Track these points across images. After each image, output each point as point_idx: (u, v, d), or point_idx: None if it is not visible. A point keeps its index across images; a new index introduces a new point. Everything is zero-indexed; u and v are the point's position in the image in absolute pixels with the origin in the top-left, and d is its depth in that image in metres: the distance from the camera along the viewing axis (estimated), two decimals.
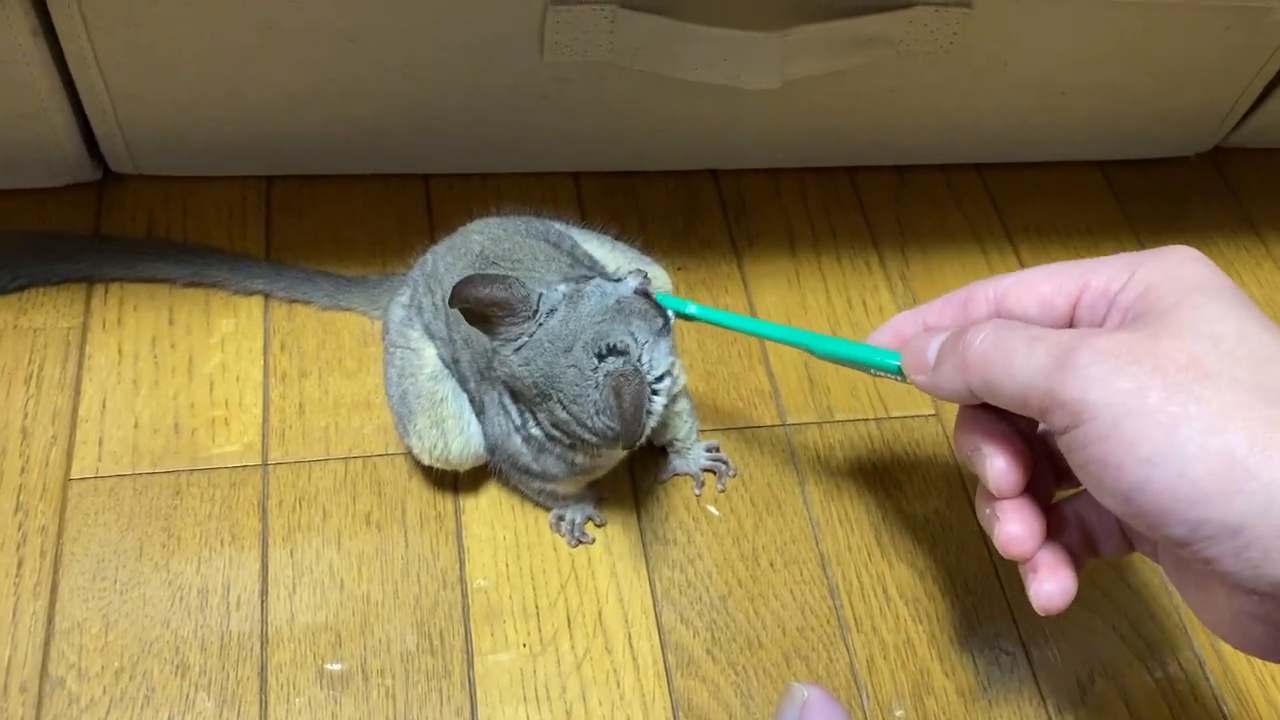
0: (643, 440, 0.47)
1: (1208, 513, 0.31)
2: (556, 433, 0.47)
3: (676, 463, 0.58)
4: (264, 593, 0.52)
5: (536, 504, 0.56)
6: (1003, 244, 0.72)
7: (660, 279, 0.56)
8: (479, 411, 0.52)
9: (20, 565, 0.51)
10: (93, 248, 0.61)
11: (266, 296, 0.62)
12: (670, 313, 0.48)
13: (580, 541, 0.55)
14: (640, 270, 0.48)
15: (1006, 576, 0.56)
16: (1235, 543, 0.31)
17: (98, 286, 0.61)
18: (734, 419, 0.61)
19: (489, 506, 0.56)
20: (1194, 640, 0.56)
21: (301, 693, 0.49)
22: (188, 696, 0.49)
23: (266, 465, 0.56)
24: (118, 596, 0.51)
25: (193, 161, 0.65)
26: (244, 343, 0.60)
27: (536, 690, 0.50)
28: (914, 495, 0.59)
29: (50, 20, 0.55)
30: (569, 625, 0.52)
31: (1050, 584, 0.39)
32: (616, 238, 0.58)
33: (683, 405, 0.56)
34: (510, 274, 0.47)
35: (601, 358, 0.45)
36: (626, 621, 0.53)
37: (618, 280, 0.47)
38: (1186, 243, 0.38)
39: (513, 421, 0.49)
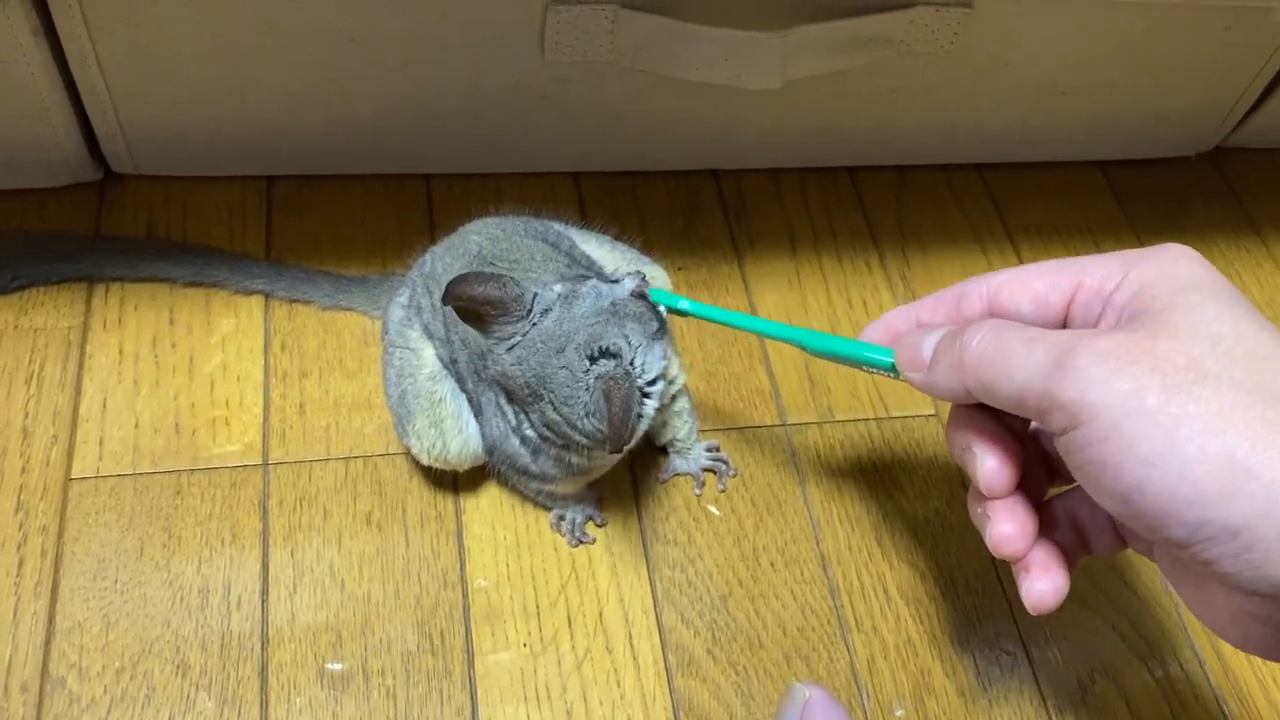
0: (632, 444, 0.47)
1: (1208, 514, 0.31)
2: (548, 433, 0.47)
3: (677, 463, 0.58)
4: (265, 592, 0.52)
5: (537, 504, 0.56)
6: (1003, 244, 0.72)
7: (660, 279, 0.56)
8: (477, 412, 0.52)
9: (21, 565, 0.51)
10: (93, 247, 0.61)
11: (267, 296, 0.62)
12: (665, 314, 0.48)
13: (581, 541, 0.55)
14: (638, 272, 0.47)
15: (1006, 576, 0.56)
16: (1236, 544, 0.31)
17: (98, 286, 0.61)
18: (734, 419, 0.61)
19: (489, 506, 0.56)
20: (1194, 640, 0.56)
21: (302, 692, 0.49)
22: (188, 696, 0.49)
23: (267, 465, 0.56)
24: (118, 596, 0.51)
25: (193, 161, 0.65)
26: (244, 342, 0.60)
27: (537, 690, 0.50)
28: (914, 495, 0.59)
29: (51, 20, 0.55)
30: (569, 625, 0.52)
31: (1042, 583, 0.39)
32: (616, 238, 0.58)
33: (683, 405, 0.56)
34: (506, 273, 0.47)
35: (594, 360, 0.45)
36: (627, 621, 0.53)
37: (614, 281, 0.47)
38: (1187, 243, 0.37)
39: (509, 422, 0.49)
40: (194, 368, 0.59)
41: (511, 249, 0.52)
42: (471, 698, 0.50)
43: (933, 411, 0.63)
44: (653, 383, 0.46)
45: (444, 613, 0.52)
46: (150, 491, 0.54)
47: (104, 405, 0.57)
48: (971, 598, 0.56)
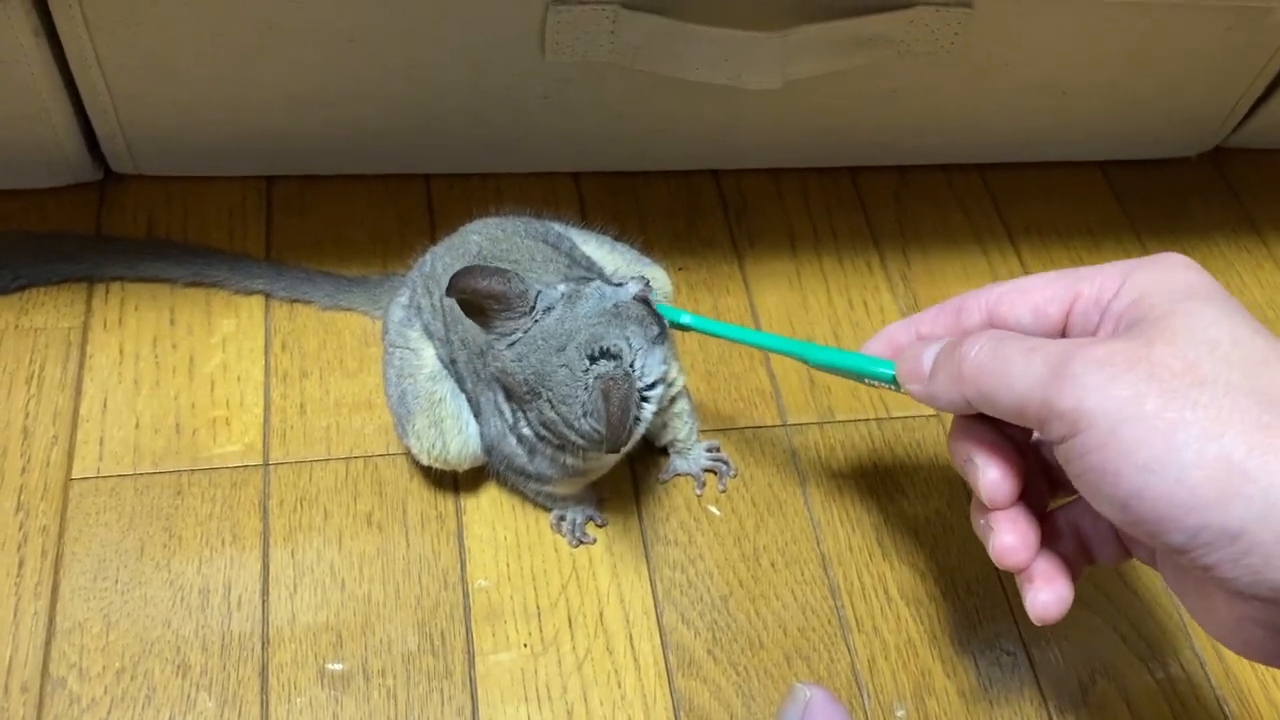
0: (629, 447, 0.47)
1: (1206, 519, 0.31)
2: (545, 432, 0.47)
3: (677, 463, 0.58)
4: (265, 593, 0.52)
5: (537, 505, 0.56)
6: (1004, 244, 0.72)
7: (660, 281, 0.56)
8: (476, 413, 0.52)
9: (21, 565, 0.51)
10: (94, 248, 0.61)
11: (267, 296, 0.62)
12: (667, 321, 0.48)
13: (581, 542, 0.55)
14: (642, 277, 0.47)
15: (1007, 578, 0.56)
16: (1234, 548, 0.31)
17: (99, 286, 0.61)
18: (735, 419, 0.61)
19: (490, 507, 0.56)
20: (1195, 641, 0.56)
21: (303, 693, 0.49)
22: (189, 696, 0.49)
23: (268, 465, 0.56)
24: (119, 596, 0.51)
25: (194, 162, 0.65)
26: (245, 343, 0.60)
27: (538, 690, 0.50)
28: (915, 496, 0.59)
29: (52, 21, 0.55)
30: (570, 625, 0.52)
31: (1046, 594, 0.39)
32: (617, 238, 0.58)
33: (683, 406, 0.56)
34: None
35: (594, 360, 0.44)
36: (628, 622, 0.53)
37: (618, 285, 0.47)
38: (1188, 243, 0.38)
39: (506, 421, 0.49)
40: (194, 368, 0.59)
41: (511, 249, 0.52)
42: (472, 698, 0.50)
43: (933, 413, 0.63)
44: (651, 386, 0.46)
45: (444, 613, 0.52)
46: (151, 492, 0.54)
47: (104, 405, 0.57)
48: (972, 598, 0.56)
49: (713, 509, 0.57)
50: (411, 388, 0.53)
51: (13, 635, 0.49)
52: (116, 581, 0.51)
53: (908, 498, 0.59)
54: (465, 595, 0.53)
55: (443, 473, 0.55)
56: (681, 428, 0.56)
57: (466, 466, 0.54)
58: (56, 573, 0.51)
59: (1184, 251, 0.37)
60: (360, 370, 0.60)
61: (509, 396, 0.49)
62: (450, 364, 0.53)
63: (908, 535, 0.58)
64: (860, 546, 0.57)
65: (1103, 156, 0.77)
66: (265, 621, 0.51)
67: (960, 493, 0.59)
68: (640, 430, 0.47)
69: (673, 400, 0.55)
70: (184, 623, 0.51)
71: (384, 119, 0.64)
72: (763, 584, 0.55)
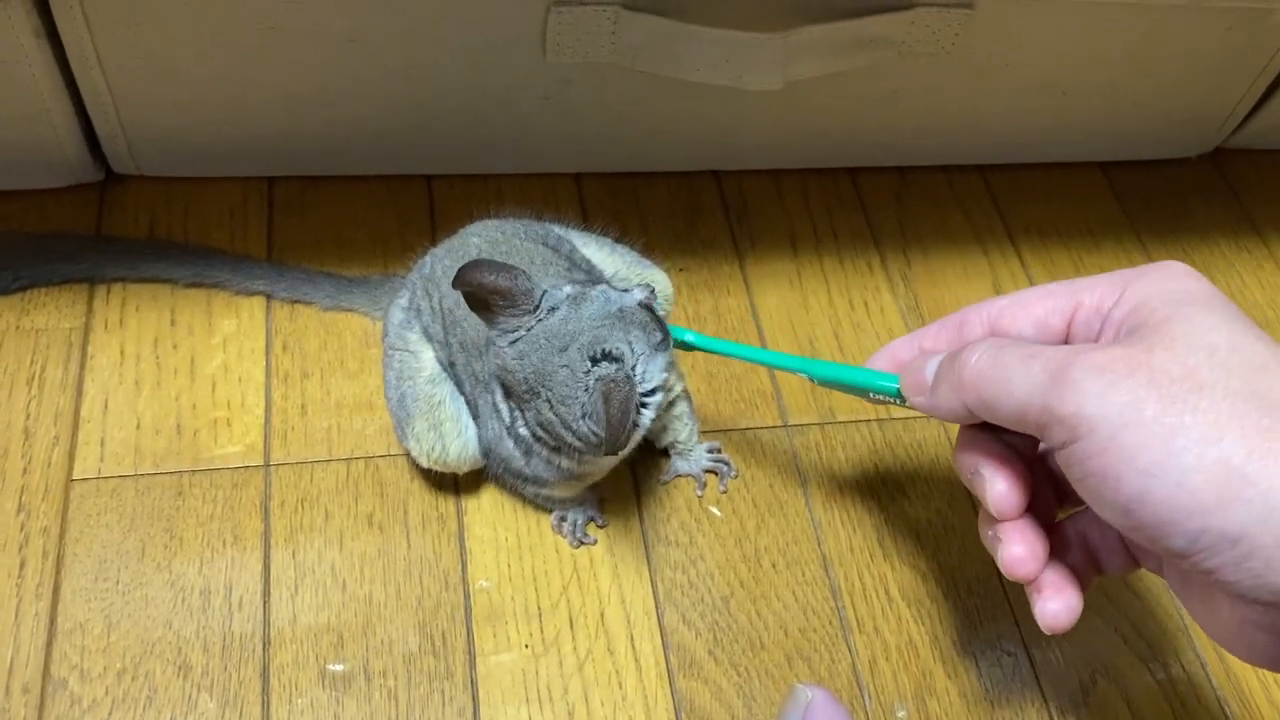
0: (626, 452, 0.47)
1: (1207, 523, 0.31)
2: (541, 433, 0.47)
3: (678, 464, 0.58)
4: (266, 594, 0.52)
5: (538, 507, 0.56)
6: (1004, 245, 0.72)
7: (661, 283, 0.56)
8: (475, 415, 0.52)
9: (23, 566, 0.51)
10: (94, 248, 0.61)
11: (268, 297, 0.62)
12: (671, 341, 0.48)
13: (582, 543, 0.55)
14: (647, 285, 0.48)
15: (1009, 579, 0.56)
16: (1235, 552, 0.31)
17: (99, 287, 0.61)
18: (736, 420, 0.61)
19: (491, 508, 0.56)
20: (1196, 642, 0.56)
21: (304, 694, 0.49)
22: (190, 697, 0.49)
23: (269, 466, 0.56)
24: (120, 597, 0.51)
25: (194, 162, 0.65)
26: (246, 343, 0.60)
27: (539, 691, 0.50)
28: (916, 497, 0.59)
29: (53, 21, 0.55)
30: (571, 626, 0.52)
31: (1055, 603, 0.39)
32: (617, 240, 0.58)
33: (684, 408, 0.56)
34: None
35: (595, 362, 0.44)
36: (629, 622, 0.53)
37: (624, 291, 0.47)
38: (1188, 244, 0.38)
39: (503, 422, 0.49)
40: (195, 369, 0.59)
41: (511, 252, 0.52)
42: (473, 699, 0.50)
43: (940, 420, 0.62)
44: (651, 393, 0.46)
45: (445, 614, 0.52)
46: (152, 492, 0.54)
47: (105, 406, 0.57)
48: (973, 599, 0.56)
49: (714, 510, 0.57)
50: (411, 390, 0.53)
51: (14, 636, 0.49)
52: (118, 582, 0.51)
53: (909, 499, 0.59)
54: (466, 596, 0.53)
55: (444, 474, 0.55)
56: (682, 429, 0.56)
57: (466, 469, 0.54)
58: (58, 574, 0.51)
59: (1184, 252, 0.38)
60: (361, 371, 0.60)
61: (507, 395, 0.48)
62: (449, 366, 0.53)
63: (909, 536, 0.58)
64: (861, 547, 0.57)
65: (1103, 157, 0.78)
66: (266, 622, 0.51)
67: (961, 494, 0.59)
68: (638, 436, 0.47)
69: (673, 402, 0.55)
70: (185, 624, 0.51)
71: (384, 119, 0.64)
72: (764, 585, 0.55)
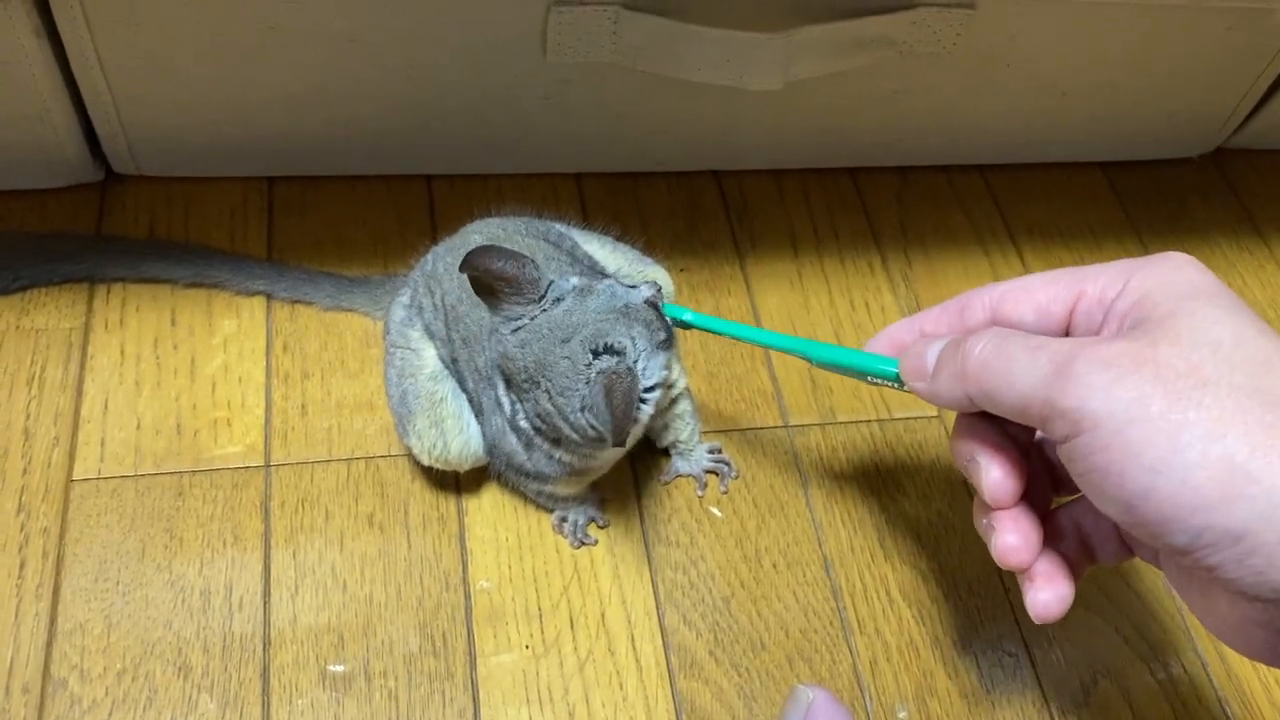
0: (627, 447, 0.47)
1: (1210, 519, 0.31)
2: (540, 424, 0.47)
3: (679, 464, 0.58)
4: (266, 594, 0.52)
5: (539, 506, 0.56)
6: (1005, 245, 0.72)
7: (662, 280, 0.56)
8: (478, 412, 0.52)
9: (23, 566, 0.51)
10: (95, 248, 0.61)
11: (268, 297, 0.62)
12: (674, 329, 0.48)
13: (583, 543, 0.55)
14: (654, 282, 0.47)
15: (1009, 578, 0.56)
16: (1238, 549, 0.31)
17: (100, 287, 0.61)
18: (736, 420, 0.61)
19: (492, 508, 0.56)
20: (1197, 642, 0.55)
21: (304, 694, 0.49)
22: (190, 698, 0.49)
23: (269, 466, 0.56)
24: (120, 598, 0.51)
25: (195, 162, 0.65)
26: (246, 344, 0.60)
27: (539, 692, 0.50)
28: (917, 497, 0.59)
29: (53, 21, 0.54)
30: (572, 627, 0.52)
31: (1046, 593, 0.39)
32: (618, 239, 0.58)
33: (684, 407, 0.56)
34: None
35: (597, 355, 0.44)
36: (629, 623, 0.53)
37: (631, 287, 0.47)
38: (1189, 244, 0.38)
39: (505, 415, 0.49)
40: (195, 369, 0.59)
41: (513, 248, 0.52)
42: (474, 700, 0.50)
43: (935, 413, 0.63)
44: (651, 389, 0.46)
45: (446, 614, 0.52)
46: (152, 493, 0.54)
47: (105, 406, 0.57)
48: (974, 600, 0.56)
49: (714, 510, 0.57)
50: (412, 387, 0.53)
51: (14, 636, 0.49)
52: (118, 583, 0.51)
53: (909, 499, 0.59)
54: (467, 596, 0.53)
55: (444, 474, 0.55)
56: (683, 429, 0.56)
57: (468, 467, 0.54)
58: (58, 574, 0.51)
59: (1185, 252, 0.37)
60: (362, 371, 0.60)
61: (509, 386, 0.48)
62: (451, 363, 0.53)
63: (909, 536, 0.58)
64: (862, 548, 0.57)
65: (1104, 157, 0.77)
66: (267, 623, 0.51)
67: (962, 494, 0.59)
68: (638, 431, 0.47)
69: (674, 401, 0.55)
70: (185, 624, 0.50)
71: (384, 119, 0.64)
72: (764, 585, 0.55)
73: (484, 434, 0.52)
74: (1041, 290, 0.40)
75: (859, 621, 0.54)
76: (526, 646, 0.52)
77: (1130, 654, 0.55)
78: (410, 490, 0.56)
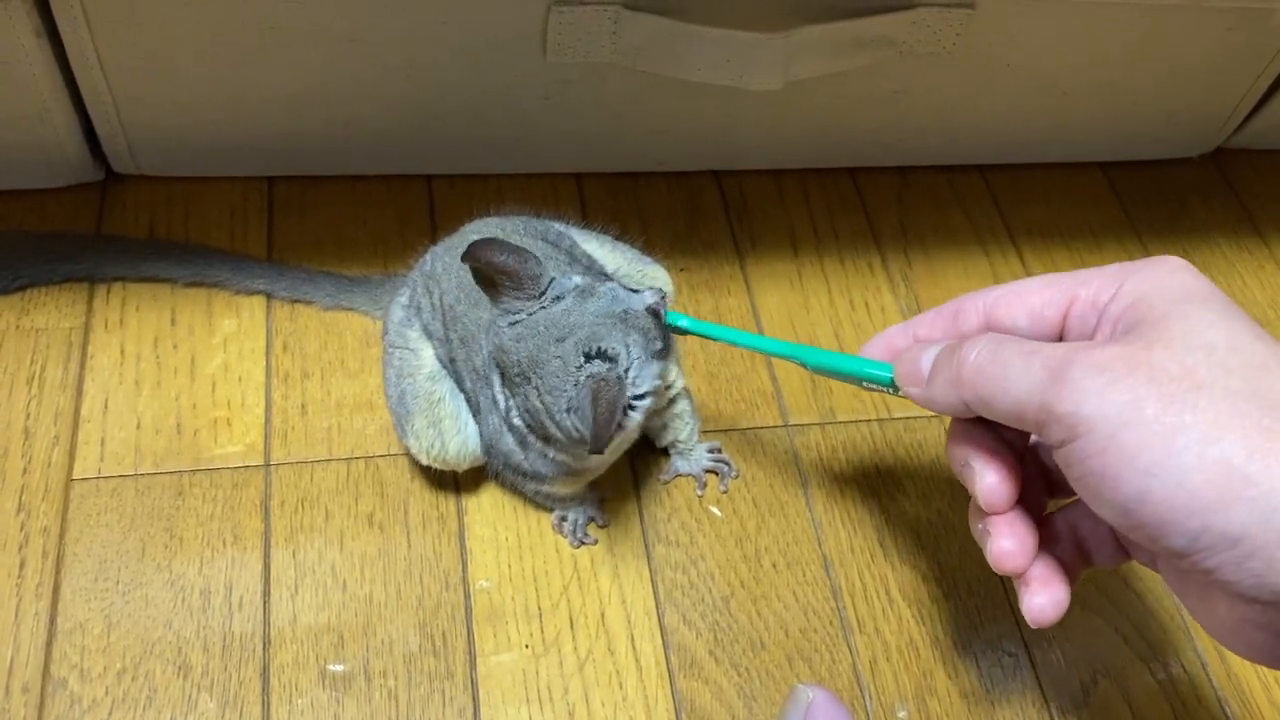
0: (607, 455, 0.46)
1: (1207, 522, 0.31)
2: (529, 420, 0.47)
3: (679, 464, 0.58)
4: (266, 593, 0.52)
5: (539, 506, 0.56)
6: (1005, 245, 0.72)
7: (661, 280, 0.56)
8: (475, 412, 0.52)
9: (23, 566, 0.51)
10: (95, 248, 0.61)
11: (268, 297, 0.62)
12: (673, 339, 0.48)
13: (583, 542, 0.55)
14: (660, 290, 0.47)
15: (1009, 579, 0.56)
16: (1236, 552, 0.31)
17: (100, 287, 0.61)
18: (736, 420, 0.61)
19: (491, 507, 0.56)
20: (1197, 642, 0.55)
21: (304, 694, 0.49)
22: (190, 697, 0.49)
23: (269, 466, 0.56)
24: (120, 597, 0.51)
25: (195, 162, 0.65)
26: (246, 343, 0.60)
27: (539, 691, 0.50)
28: (917, 497, 0.59)
29: (53, 21, 0.55)
30: (571, 626, 0.52)
31: (1042, 597, 0.39)
32: (617, 238, 0.58)
33: (683, 407, 0.56)
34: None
35: (589, 358, 0.44)
36: (629, 623, 0.53)
37: (635, 292, 0.47)
38: (1189, 244, 0.38)
39: (500, 412, 0.49)
40: (195, 368, 0.59)
41: None
42: (473, 699, 0.50)
43: (935, 413, 0.62)
44: (640, 397, 0.46)
45: (446, 614, 0.52)
46: (152, 492, 0.54)
47: (105, 406, 0.57)
48: (974, 599, 0.56)
49: (714, 510, 0.57)
50: (410, 388, 0.53)
51: (14, 636, 0.49)
52: (118, 582, 0.51)
53: (909, 499, 0.59)
54: (467, 596, 0.53)
55: (444, 473, 0.55)
56: (683, 428, 0.56)
57: (465, 466, 0.54)
58: (58, 573, 0.51)
59: (1185, 252, 0.38)
60: (361, 371, 0.60)
61: (504, 380, 0.48)
62: (449, 363, 0.53)
63: (909, 536, 0.58)
64: (862, 547, 0.57)
65: (1104, 157, 0.77)
66: (266, 622, 0.51)
67: (961, 494, 0.59)
68: (619, 439, 0.47)
69: (674, 401, 0.55)
70: (185, 624, 0.51)
71: (384, 119, 0.64)
72: (764, 585, 0.55)
73: (481, 434, 0.52)
74: (1035, 295, 0.40)
75: (859, 621, 0.54)
76: (526, 646, 0.52)
77: (1130, 654, 0.55)
78: (410, 490, 0.56)
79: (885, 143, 0.72)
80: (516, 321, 0.46)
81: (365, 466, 0.56)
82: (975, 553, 0.57)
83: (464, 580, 0.53)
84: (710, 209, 0.70)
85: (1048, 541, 0.41)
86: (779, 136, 0.70)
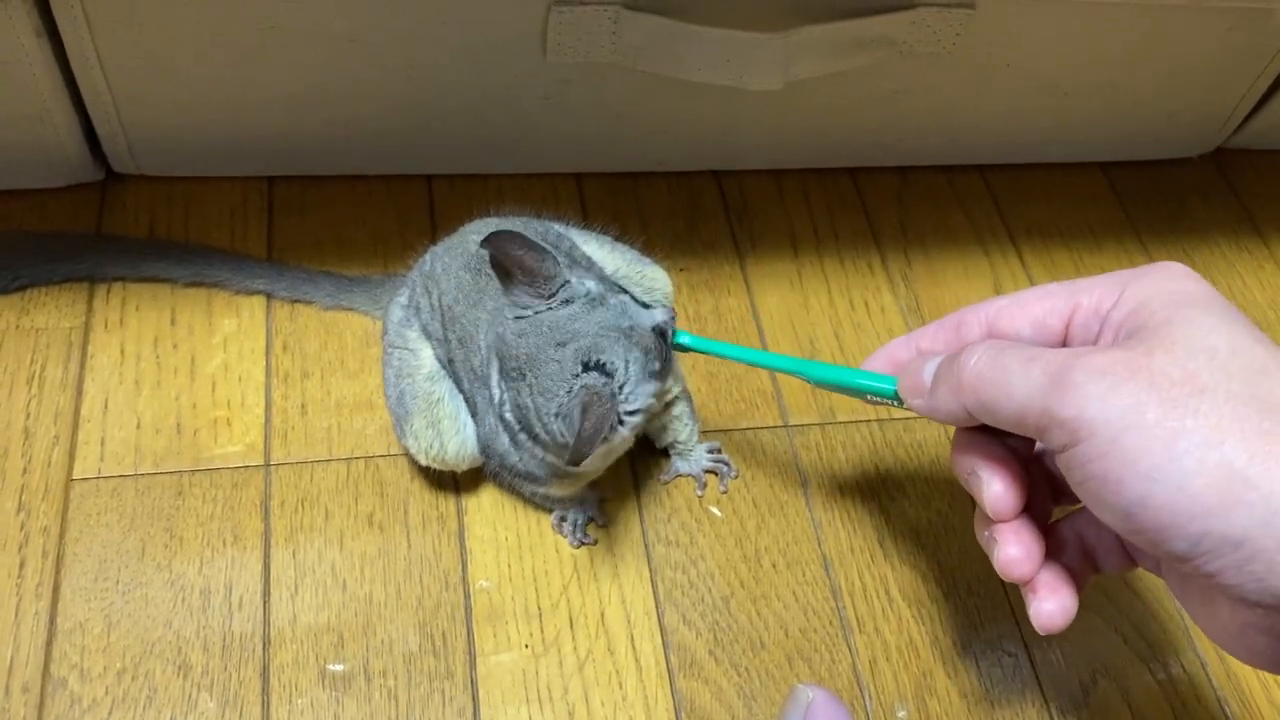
0: (586, 467, 0.46)
1: (1209, 526, 0.31)
2: (519, 416, 0.47)
3: (679, 464, 0.58)
4: (266, 593, 0.52)
5: (538, 507, 0.56)
6: (1005, 245, 0.72)
7: (661, 281, 0.56)
8: (473, 412, 0.52)
9: (23, 566, 0.51)
10: (95, 248, 0.61)
11: (268, 297, 0.62)
12: (674, 359, 0.48)
13: (582, 543, 0.55)
14: (671, 310, 0.48)
15: (1004, 580, 0.56)
16: (1237, 555, 0.31)
17: (100, 286, 0.61)
18: (736, 420, 0.61)
19: (491, 507, 0.56)
20: (1196, 642, 0.55)
21: (304, 694, 0.49)
22: (190, 697, 0.49)
23: (269, 466, 0.56)
24: (120, 597, 0.51)
25: (195, 162, 0.65)
26: (246, 343, 0.60)
27: (539, 691, 0.50)
28: (916, 497, 0.59)
29: (53, 21, 0.55)
30: (571, 626, 0.52)
31: (1050, 603, 0.39)
32: (617, 238, 0.58)
33: (682, 409, 0.56)
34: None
35: (586, 368, 0.44)
36: (629, 622, 0.53)
37: (647, 307, 0.47)
38: (1189, 244, 0.38)
39: (494, 406, 0.49)
40: (195, 368, 0.59)
41: None
42: (473, 699, 0.50)
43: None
44: (632, 414, 0.46)
45: (446, 614, 0.52)
46: (152, 492, 0.54)
47: (105, 406, 0.57)
48: (974, 599, 0.56)
49: (714, 510, 0.57)
50: (410, 388, 0.53)
51: (14, 636, 0.49)
52: (118, 582, 0.51)
53: (909, 499, 0.59)
54: (466, 596, 0.53)
55: (444, 473, 0.55)
56: (682, 429, 0.56)
57: (464, 467, 0.54)
58: (58, 573, 0.51)
59: (1185, 252, 0.38)
60: (361, 371, 0.60)
61: (502, 372, 0.48)
62: (448, 364, 0.53)
63: (909, 536, 0.58)
64: (862, 548, 0.57)
65: (1104, 157, 0.77)
66: (266, 622, 0.51)
67: (962, 494, 0.59)
68: (601, 452, 0.47)
69: (673, 403, 0.55)
70: (185, 623, 0.51)
71: (384, 119, 0.64)
72: (764, 585, 0.55)
73: (478, 434, 0.52)
74: (1037, 304, 0.40)
75: (858, 621, 0.54)
76: (526, 646, 0.52)
77: (1130, 654, 0.55)
78: (410, 490, 0.56)
79: (885, 143, 0.72)
80: (522, 317, 0.46)
81: (365, 466, 0.56)
82: (975, 553, 0.57)
83: (464, 580, 0.53)
84: (710, 209, 0.70)
85: (1054, 549, 0.41)
86: (779, 136, 0.70)
